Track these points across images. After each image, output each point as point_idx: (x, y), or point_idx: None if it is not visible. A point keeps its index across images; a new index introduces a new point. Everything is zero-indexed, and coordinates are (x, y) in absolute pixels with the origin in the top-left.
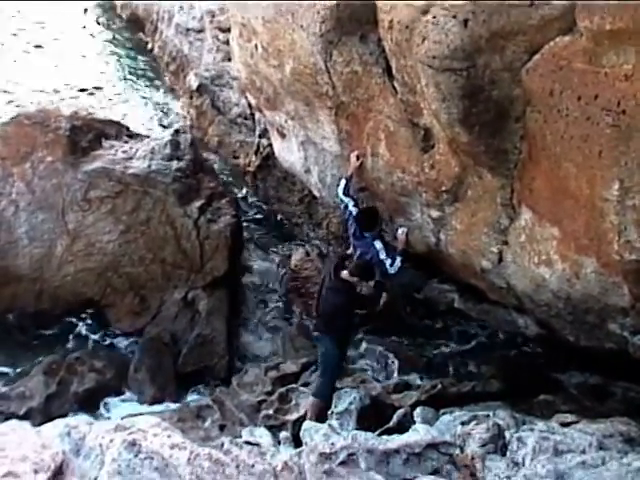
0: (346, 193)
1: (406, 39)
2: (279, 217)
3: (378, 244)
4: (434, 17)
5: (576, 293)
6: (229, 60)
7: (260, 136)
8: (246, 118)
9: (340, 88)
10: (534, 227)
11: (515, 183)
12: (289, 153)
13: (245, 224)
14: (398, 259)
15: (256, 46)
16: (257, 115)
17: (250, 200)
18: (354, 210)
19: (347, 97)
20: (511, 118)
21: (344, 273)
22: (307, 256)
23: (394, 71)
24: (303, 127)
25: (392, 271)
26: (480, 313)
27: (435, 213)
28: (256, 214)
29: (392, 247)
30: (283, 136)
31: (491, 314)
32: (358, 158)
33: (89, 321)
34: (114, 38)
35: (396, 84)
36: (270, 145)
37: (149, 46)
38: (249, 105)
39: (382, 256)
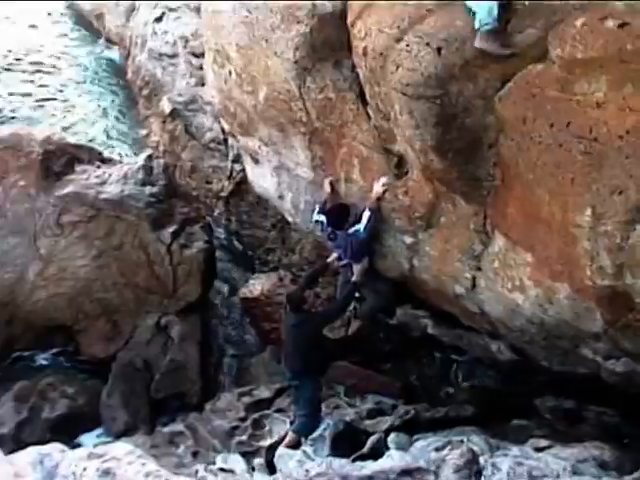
0: (320, 212)
1: (380, 66)
2: (252, 242)
3: (351, 229)
4: (407, 45)
5: (549, 319)
6: (202, 85)
7: (233, 161)
8: (219, 143)
9: (314, 114)
10: (507, 253)
11: (488, 209)
12: (262, 179)
13: (218, 250)
14: (365, 215)
15: (230, 72)
16: (230, 140)
17: (223, 225)
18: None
19: (321, 123)
20: (484, 145)
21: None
22: (280, 282)
23: (368, 97)
24: (277, 153)
25: (363, 233)
26: (454, 338)
27: (409, 239)
28: (229, 239)
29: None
30: (256, 162)
31: (464, 339)
32: (332, 184)
33: (61, 347)
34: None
35: (370, 110)
36: (243, 170)
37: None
38: (222, 130)
39: (354, 229)
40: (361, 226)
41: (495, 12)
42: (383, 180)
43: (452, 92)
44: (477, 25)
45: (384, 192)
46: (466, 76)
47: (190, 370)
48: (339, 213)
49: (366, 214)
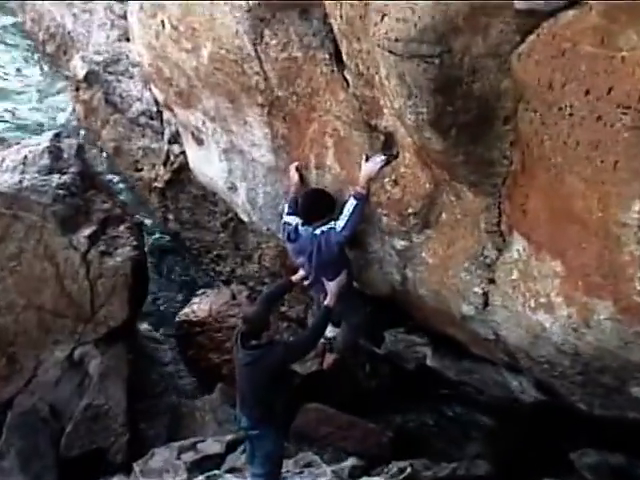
0: (291, 212)
1: (360, 16)
2: (196, 248)
3: (319, 229)
4: None
5: (587, 347)
6: (127, 40)
7: (170, 142)
8: (151, 118)
9: (274, 80)
10: (529, 260)
11: (504, 203)
12: (208, 164)
13: (150, 258)
14: (348, 205)
15: (163, 23)
16: (166, 114)
17: (157, 226)
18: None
19: (284, 91)
20: (498, 119)
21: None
22: (233, 299)
23: (345, 58)
24: (226, 131)
25: (342, 232)
26: (460, 373)
27: (400, 243)
28: (166, 244)
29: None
30: (200, 142)
31: (475, 374)
32: (299, 172)
33: None
34: None
35: (347, 75)
36: (183, 153)
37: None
38: (155, 101)
39: (328, 226)
40: (340, 222)
41: None
42: (296, 164)
43: (455, 49)
44: None
45: (381, 169)
46: (474, 28)
47: (113, 418)
48: (314, 201)
49: (350, 204)
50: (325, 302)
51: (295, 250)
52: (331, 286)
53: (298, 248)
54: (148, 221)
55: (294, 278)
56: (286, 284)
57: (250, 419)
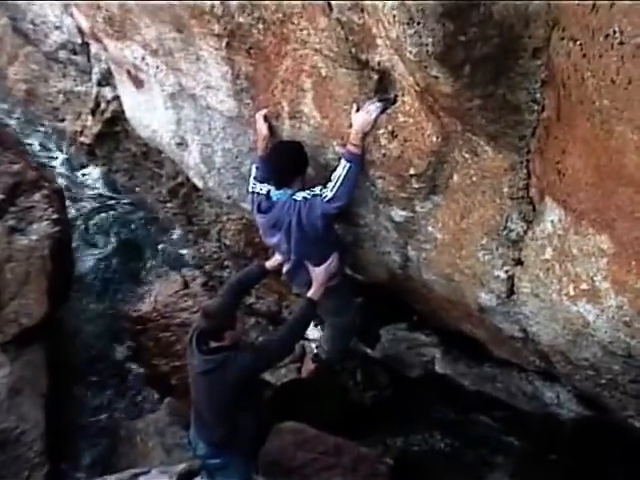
0: (260, 177)
1: None
2: (136, 221)
3: (300, 194)
4: None
5: None
6: None
7: (100, 84)
8: (74, 52)
9: (234, 2)
10: (567, 235)
11: (533, 162)
12: (150, 113)
13: (76, 235)
14: (340, 167)
15: None
16: (94, 48)
17: (85, 192)
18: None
19: (246, 17)
20: (526, 51)
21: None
22: (185, 288)
23: None
24: (173, 69)
25: (333, 201)
26: (479, 381)
27: (399, 214)
28: (96, 216)
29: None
30: (139, 84)
31: (498, 383)
32: (268, 122)
33: None
34: None
35: None
36: (117, 99)
37: None
38: (79, 30)
39: (314, 192)
40: (329, 187)
41: None
42: (264, 111)
43: None
44: None
45: (377, 120)
46: None
47: (28, 445)
48: (288, 155)
49: (341, 167)
50: (309, 293)
51: (268, 224)
52: (317, 273)
53: (273, 221)
54: (72, 187)
55: (268, 264)
56: (258, 270)
57: (209, 444)
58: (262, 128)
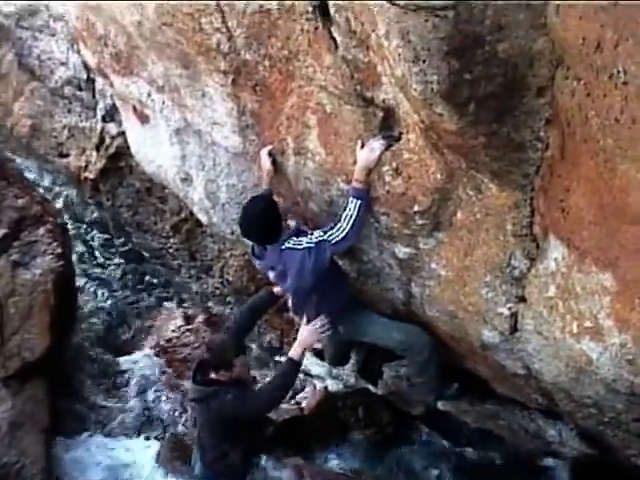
0: None
1: None
2: (140, 257)
3: (301, 242)
4: None
5: None
6: None
7: (105, 119)
8: (80, 88)
9: (241, 39)
10: (571, 272)
11: (537, 199)
12: (155, 149)
13: (79, 268)
14: (350, 206)
15: None
16: (99, 83)
17: (89, 227)
18: None
19: (253, 54)
20: (530, 90)
21: None
22: (187, 323)
23: (332, 11)
24: (179, 105)
25: (344, 237)
26: (481, 418)
27: (403, 251)
28: (100, 251)
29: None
30: (145, 120)
31: (500, 420)
32: (273, 158)
33: None
34: None
35: (336, 33)
36: (122, 134)
37: None
38: (85, 66)
39: (314, 239)
40: (339, 228)
41: None
42: (269, 147)
43: None
44: None
45: (381, 156)
46: None
47: (28, 478)
48: (258, 228)
49: (351, 204)
50: (290, 353)
51: (265, 267)
52: (302, 331)
53: (269, 265)
54: (76, 222)
55: (277, 290)
56: (269, 296)
57: (203, 463)
58: (266, 163)
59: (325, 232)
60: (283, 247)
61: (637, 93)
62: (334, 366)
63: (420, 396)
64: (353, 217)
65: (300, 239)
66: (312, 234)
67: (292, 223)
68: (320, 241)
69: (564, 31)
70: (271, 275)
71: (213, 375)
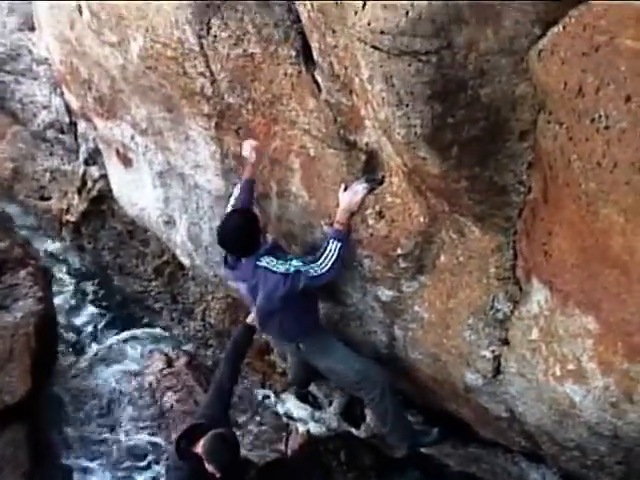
0: None
1: (336, 2)
2: (121, 300)
3: (267, 259)
4: None
5: (629, 428)
6: (32, 29)
7: (87, 162)
8: (62, 131)
9: (225, 83)
10: (553, 315)
11: (520, 242)
12: (138, 192)
13: (61, 312)
14: (330, 248)
15: (80, 8)
16: (81, 127)
17: (71, 270)
18: None
19: (236, 98)
20: (513, 134)
21: None
22: (169, 366)
23: (315, 55)
24: (162, 148)
25: (322, 274)
26: (464, 462)
27: (386, 294)
28: (80, 294)
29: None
30: (127, 163)
31: (483, 463)
32: (258, 151)
33: None
34: None
35: (319, 77)
36: (104, 177)
37: None
38: (67, 109)
39: (303, 267)
40: (319, 264)
41: None
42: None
43: (458, 44)
44: None
45: (364, 198)
46: (482, 17)
47: None
48: (238, 244)
49: (332, 245)
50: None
51: (236, 278)
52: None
53: (241, 277)
54: (57, 266)
55: (248, 320)
56: (245, 329)
57: None
58: (251, 155)
59: (304, 263)
60: (259, 263)
61: (619, 137)
62: (297, 387)
63: (395, 444)
64: (334, 257)
65: (277, 261)
66: (290, 260)
67: (270, 236)
68: (297, 271)
69: (546, 76)
70: (242, 287)
71: (199, 450)
